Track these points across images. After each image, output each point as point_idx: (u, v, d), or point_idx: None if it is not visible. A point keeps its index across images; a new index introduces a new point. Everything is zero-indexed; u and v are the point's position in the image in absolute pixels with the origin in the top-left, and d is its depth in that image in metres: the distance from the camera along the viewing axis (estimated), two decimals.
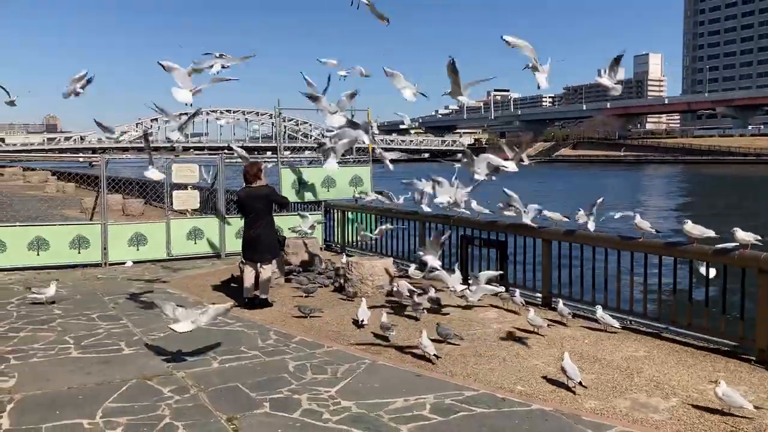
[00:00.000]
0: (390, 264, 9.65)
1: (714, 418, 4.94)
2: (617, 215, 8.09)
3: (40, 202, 19.59)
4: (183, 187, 13.24)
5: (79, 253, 11.90)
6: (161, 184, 13.52)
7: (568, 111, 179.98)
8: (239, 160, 11.59)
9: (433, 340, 6.47)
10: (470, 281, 8.57)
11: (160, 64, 7.96)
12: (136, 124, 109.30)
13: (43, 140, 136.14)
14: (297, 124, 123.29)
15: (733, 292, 6.69)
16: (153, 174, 8.95)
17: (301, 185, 13.30)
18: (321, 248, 12.78)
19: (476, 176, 8.09)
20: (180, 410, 5.13)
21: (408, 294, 8.24)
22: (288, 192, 12.92)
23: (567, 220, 8.55)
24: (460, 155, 9.40)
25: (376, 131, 13.83)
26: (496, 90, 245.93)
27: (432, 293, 8.46)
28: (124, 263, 12.08)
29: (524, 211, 8.71)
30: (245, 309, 8.54)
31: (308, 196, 13.51)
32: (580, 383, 5.55)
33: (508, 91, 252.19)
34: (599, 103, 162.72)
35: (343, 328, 7.64)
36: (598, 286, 8.03)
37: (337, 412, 5.10)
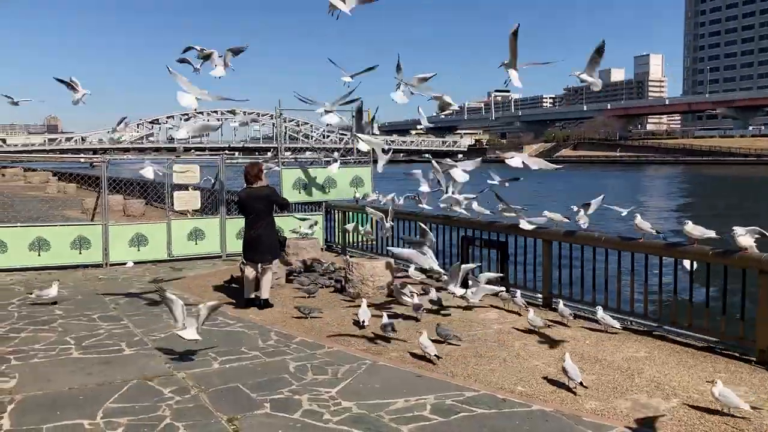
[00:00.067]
0: (391, 264, 9.65)
1: (714, 419, 4.94)
2: (624, 213, 8.12)
3: (41, 203, 19.55)
4: (184, 187, 13.26)
5: (80, 253, 11.91)
6: (162, 185, 13.54)
7: (568, 112, 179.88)
8: (240, 160, 11.60)
9: (432, 341, 6.48)
10: (470, 282, 8.58)
11: (169, 70, 7.99)
12: (137, 124, 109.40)
13: (44, 141, 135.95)
14: (298, 125, 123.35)
15: (733, 293, 6.68)
16: (147, 172, 8.93)
17: (303, 186, 13.32)
18: (322, 249, 12.80)
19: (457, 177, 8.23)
20: (180, 411, 5.14)
21: (409, 295, 8.24)
22: (289, 193, 12.93)
23: (567, 220, 8.56)
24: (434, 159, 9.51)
25: (377, 132, 13.83)
26: (496, 91, 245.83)
27: (433, 294, 8.48)
28: (125, 264, 12.08)
29: (522, 215, 8.74)
30: (246, 309, 8.54)
31: (308, 197, 13.53)
32: (581, 384, 5.56)
33: (508, 91, 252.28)
34: (600, 103, 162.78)
35: (343, 328, 7.64)
36: (599, 286, 8.03)
37: (338, 412, 5.11)
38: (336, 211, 13.67)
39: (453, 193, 9.47)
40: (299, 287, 9.38)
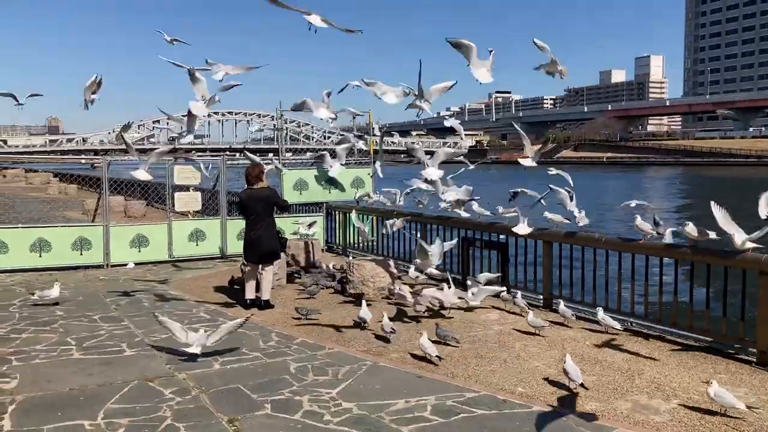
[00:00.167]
0: (392, 265, 9.65)
1: (715, 420, 4.94)
2: (633, 203, 8.13)
3: (42, 204, 19.62)
4: (185, 188, 13.27)
5: (81, 254, 11.93)
6: (163, 186, 13.55)
7: (569, 113, 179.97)
8: (241, 161, 11.62)
9: (432, 342, 6.48)
10: (469, 283, 8.58)
11: (189, 73, 8.01)
12: (138, 125, 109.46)
13: (46, 142, 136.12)
14: (299, 126, 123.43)
15: (733, 294, 6.69)
16: (140, 174, 8.90)
17: (303, 186, 13.32)
18: (323, 249, 12.80)
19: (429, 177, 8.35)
20: (181, 411, 5.15)
21: (409, 295, 8.25)
22: (289, 194, 12.94)
23: (568, 221, 8.57)
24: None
25: (377, 133, 13.85)
26: (497, 92, 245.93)
27: (429, 293, 8.47)
28: (125, 265, 12.10)
29: (521, 216, 8.74)
30: (247, 310, 8.54)
31: (309, 197, 13.54)
32: (582, 385, 5.56)
33: (509, 92, 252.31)
34: (601, 105, 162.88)
35: (344, 329, 7.64)
36: (599, 288, 8.03)
37: (339, 413, 5.11)
38: (337, 212, 13.68)
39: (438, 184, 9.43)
40: (300, 288, 9.39)
